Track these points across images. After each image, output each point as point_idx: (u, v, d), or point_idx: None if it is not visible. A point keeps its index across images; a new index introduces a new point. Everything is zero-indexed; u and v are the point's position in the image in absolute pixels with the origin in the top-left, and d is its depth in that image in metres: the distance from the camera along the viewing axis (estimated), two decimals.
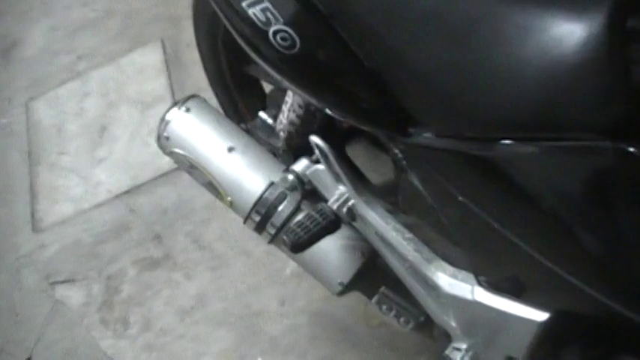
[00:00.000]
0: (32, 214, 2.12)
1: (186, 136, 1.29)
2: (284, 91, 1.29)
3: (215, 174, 1.26)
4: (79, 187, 2.13)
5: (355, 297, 1.30)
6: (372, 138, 1.15)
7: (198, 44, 1.53)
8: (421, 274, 1.07)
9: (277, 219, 1.21)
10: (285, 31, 0.92)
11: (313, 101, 1.01)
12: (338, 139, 1.23)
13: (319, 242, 1.14)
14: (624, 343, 0.86)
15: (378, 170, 1.43)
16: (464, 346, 1.07)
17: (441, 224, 0.97)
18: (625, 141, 0.69)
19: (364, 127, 0.98)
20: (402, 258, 1.09)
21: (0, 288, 2.02)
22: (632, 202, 0.73)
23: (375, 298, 1.25)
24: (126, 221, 2.02)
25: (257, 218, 1.23)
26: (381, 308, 1.25)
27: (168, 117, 1.30)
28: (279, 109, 1.32)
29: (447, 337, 1.11)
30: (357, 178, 1.13)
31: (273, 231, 1.23)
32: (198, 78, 1.82)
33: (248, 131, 1.38)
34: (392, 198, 1.11)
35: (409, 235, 1.08)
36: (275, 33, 0.92)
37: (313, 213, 1.14)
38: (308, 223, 1.12)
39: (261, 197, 1.22)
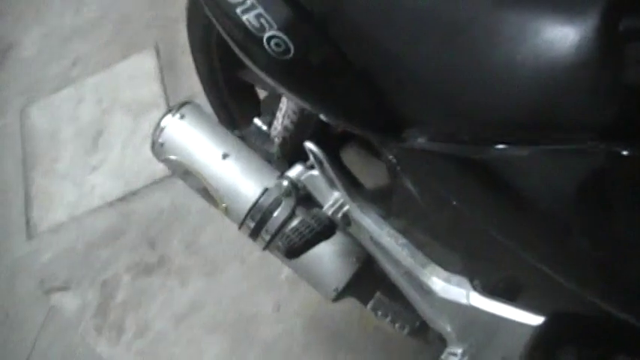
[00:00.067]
0: (27, 221, 2.12)
1: (180, 142, 1.29)
2: (278, 98, 1.29)
3: (210, 180, 1.26)
4: (74, 193, 2.13)
5: (350, 302, 1.30)
6: (366, 143, 1.15)
7: (192, 51, 1.53)
8: (416, 279, 1.07)
9: (272, 225, 1.21)
10: (279, 37, 0.92)
11: (307, 107, 1.01)
12: (332, 144, 1.23)
13: (314, 248, 1.14)
14: (620, 345, 0.86)
15: (372, 175, 1.43)
16: (459, 350, 1.07)
17: (436, 229, 0.97)
18: (618, 143, 0.69)
19: (359, 132, 0.98)
20: (396, 263, 1.09)
21: None
22: (626, 204, 0.73)
23: (370, 304, 1.25)
24: (120, 227, 2.02)
25: (252, 224, 1.23)
26: (376, 314, 1.25)
27: (162, 123, 1.30)
28: (273, 115, 1.32)
29: (442, 342, 1.11)
30: (351, 183, 1.13)
31: (267, 237, 1.22)
32: (192, 83, 1.83)
33: (242, 138, 1.38)
34: (386, 203, 1.11)
35: (403, 240, 1.08)
36: (269, 39, 0.92)
37: (308, 219, 1.14)
38: (303, 229, 1.12)
39: (255, 203, 1.22)
